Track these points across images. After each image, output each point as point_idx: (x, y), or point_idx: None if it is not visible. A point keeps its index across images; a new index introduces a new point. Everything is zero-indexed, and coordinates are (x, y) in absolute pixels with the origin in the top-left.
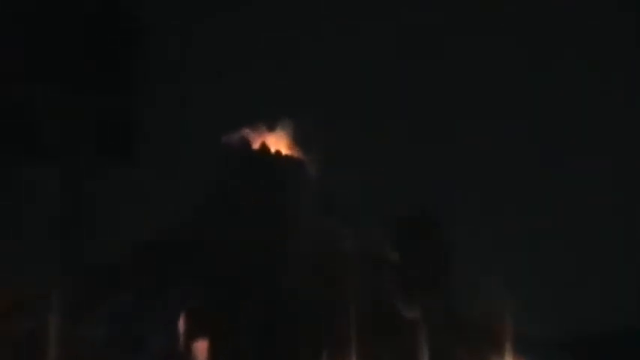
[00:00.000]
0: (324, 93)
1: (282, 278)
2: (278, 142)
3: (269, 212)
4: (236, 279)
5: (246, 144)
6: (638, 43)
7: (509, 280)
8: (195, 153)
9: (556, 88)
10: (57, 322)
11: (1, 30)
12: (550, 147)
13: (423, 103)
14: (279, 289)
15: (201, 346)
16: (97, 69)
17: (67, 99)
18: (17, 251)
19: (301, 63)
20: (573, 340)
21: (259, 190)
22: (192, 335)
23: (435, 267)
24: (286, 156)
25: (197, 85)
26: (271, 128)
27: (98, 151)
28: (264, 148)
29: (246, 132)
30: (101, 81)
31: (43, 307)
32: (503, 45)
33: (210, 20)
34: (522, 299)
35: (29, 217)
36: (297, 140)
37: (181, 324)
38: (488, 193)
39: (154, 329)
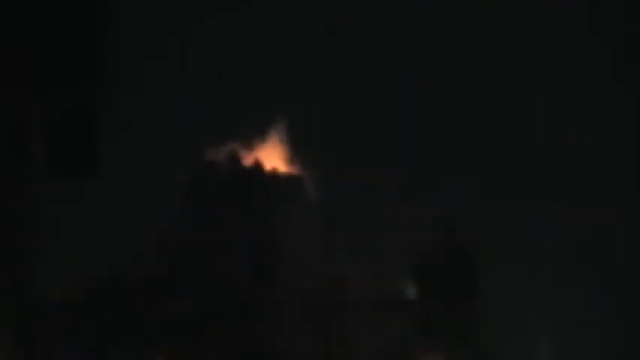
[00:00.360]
0: (326, 99)
1: (271, 327)
2: (273, 156)
3: (260, 243)
4: (211, 325)
5: (236, 159)
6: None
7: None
8: (172, 169)
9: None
10: None
11: None
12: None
13: (447, 113)
14: (266, 342)
15: None
16: (54, 66)
17: (17, 100)
18: None
19: (299, 66)
20: None
21: (250, 215)
22: None
23: (464, 306)
24: (285, 174)
25: (177, 90)
26: (265, 139)
27: (54, 161)
28: (257, 164)
29: (236, 145)
30: (58, 80)
31: None
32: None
33: (195, 13)
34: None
35: None
36: (295, 153)
37: None
38: (525, 217)
39: None
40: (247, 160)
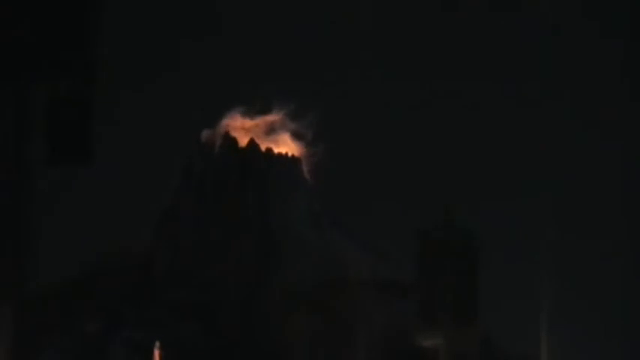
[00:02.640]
0: (330, 86)
1: (269, 313)
2: (271, 138)
3: (254, 225)
4: (203, 311)
5: (232, 142)
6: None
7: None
8: (167, 151)
9: None
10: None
11: None
12: None
13: (451, 96)
14: (259, 325)
15: None
16: (49, 53)
17: (11, 87)
18: None
19: (300, 52)
20: None
21: (243, 197)
22: None
23: (467, 289)
24: (279, 155)
25: (170, 73)
26: (264, 121)
27: (49, 149)
28: (252, 145)
29: (230, 126)
30: (53, 67)
31: None
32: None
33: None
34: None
35: None
36: (295, 130)
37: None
38: (527, 200)
39: None
40: (243, 142)
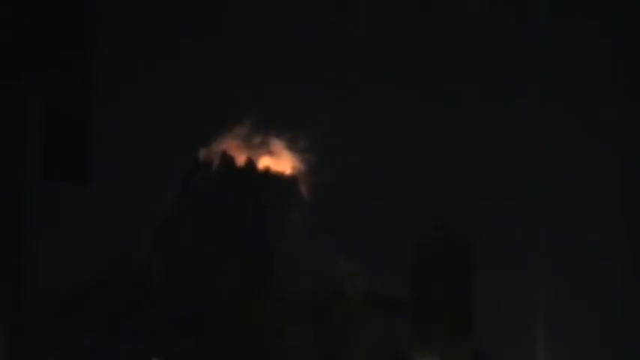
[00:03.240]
0: (325, 99)
1: (266, 326)
2: (268, 157)
3: (250, 240)
4: (199, 324)
5: (229, 159)
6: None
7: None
8: (166, 170)
9: None
10: None
11: None
12: None
13: (445, 116)
14: (255, 339)
15: None
16: (45, 66)
17: (7, 100)
18: None
19: (297, 66)
20: None
21: (241, 212)
22: None
23: (459, 305)
24: (277, 172)
25: (168, 88)
26: (260, 139)
27: (44, 164)
28: (250, 165)
29: (228, 145)
30: (50, 81)
31: None
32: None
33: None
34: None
35: None
36: (291, 154)
37: None
38: (529, 212)
39: None
40: (240, 159)
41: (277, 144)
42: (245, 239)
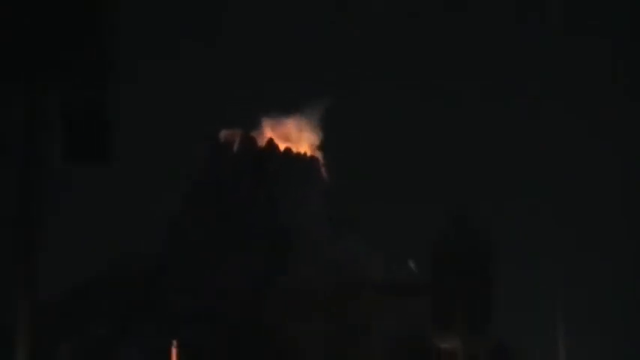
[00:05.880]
0: (347, 90)
1: (282, 314)
2: (289, 139)
3: (267, 227)
4: (214, 313)
5: (249, 141)
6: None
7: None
8: (176, 154)
9: None
10: None
11: None
12: None
13: (469, 97)
14: (271, 327)
15: None
16: (65, 60)
17: (30, 94)
18: None
19: (319, 54)
20: None
21: (257, 197)
22: None
23: (481, 292)
24: (296, 156)
25: (188, 74)
26: (282, 122)
27: (66, 154)
28: (271, 145)
29: (249, 126)
30: (70, 72)
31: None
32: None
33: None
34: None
35: None
36: (313, 132)
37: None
38: (544, 201)
39: None
40: (261, 141)
41: (296, 130)
42: (261, 225)
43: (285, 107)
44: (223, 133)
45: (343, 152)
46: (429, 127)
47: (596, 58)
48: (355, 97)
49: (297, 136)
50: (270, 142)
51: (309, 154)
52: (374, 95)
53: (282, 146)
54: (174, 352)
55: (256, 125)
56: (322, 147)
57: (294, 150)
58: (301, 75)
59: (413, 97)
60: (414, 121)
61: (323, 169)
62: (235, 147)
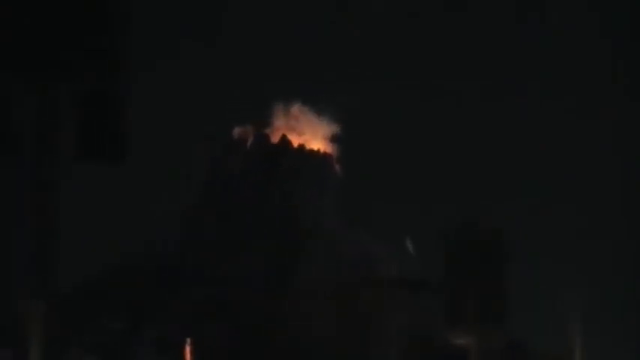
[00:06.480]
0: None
1: (295, 308)
2: (301, 135)
3: (280, 222)
4: (228, 308)
5: (262, 138)
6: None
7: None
8: (191, 148)
9: None
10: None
11: None
12: None
13: (481, 95)
14: (284, 322)
15: None
16: (78, 54)
17: (42, 89)
18: None
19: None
20: None
21: (271, 193)
22: None
23: (494, 288)
24: (310, 152)
25: (188, 75)
26: (295, 118)
27: (79, 149)
28: (284, 141)
29: (263, 122)
30: (82, 68)
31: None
32: None
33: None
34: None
35: None
36: (328, 127)
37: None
38: (556, 198)
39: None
40: (274, 138)
41: (311, 126)
42: (274, 221)
43: (288, 105)
44: (236, 131)
45: (344, 152)
46: (428, 127)
47: (596, 58)
48: (355, 97)
49: (311, 133)
50: (284, 138)
51: (324, 150)
52: (374, 95)
53: (296, 142)
54: (187, 350)
55: (267, 123)
56: (335, 143)
57: (310, 146)
58: (301, 75)
59: (413, 97)
60: (413, 121)
61: (336, 166)
62: (249, 144)
